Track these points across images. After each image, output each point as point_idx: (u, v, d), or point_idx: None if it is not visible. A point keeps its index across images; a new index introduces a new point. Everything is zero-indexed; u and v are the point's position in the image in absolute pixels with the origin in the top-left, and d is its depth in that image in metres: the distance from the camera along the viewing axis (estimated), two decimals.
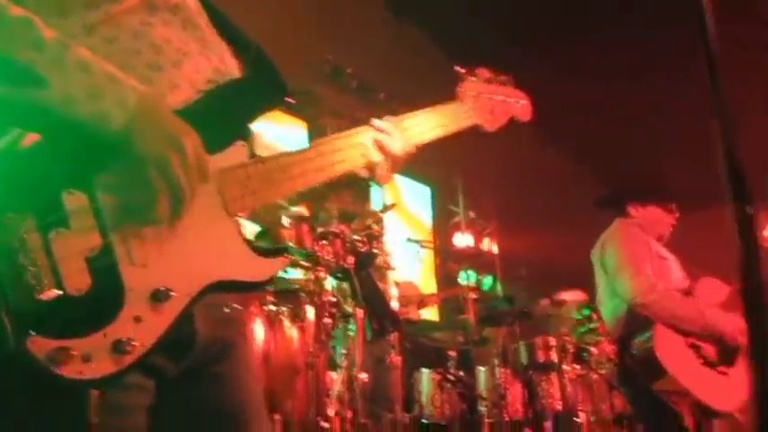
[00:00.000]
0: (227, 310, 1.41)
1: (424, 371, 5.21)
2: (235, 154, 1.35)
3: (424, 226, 7.56)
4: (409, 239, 6.36)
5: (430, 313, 6.92)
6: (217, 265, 1.28)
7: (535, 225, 7.28)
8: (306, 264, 3.41)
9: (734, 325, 3.25)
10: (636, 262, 3.20)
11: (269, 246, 1.41)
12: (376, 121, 1.54)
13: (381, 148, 1.52)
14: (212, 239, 1.29)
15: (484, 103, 1.75)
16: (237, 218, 1.34)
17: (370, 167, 1.52)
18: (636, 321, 3.16)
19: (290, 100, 1.45)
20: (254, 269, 1.35)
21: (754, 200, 1.17)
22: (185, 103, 1.29)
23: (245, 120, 1.41)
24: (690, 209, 3.63)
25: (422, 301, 5.72)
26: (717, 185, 1.19)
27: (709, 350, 3.23)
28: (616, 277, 3.23)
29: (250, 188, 1.34)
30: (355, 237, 3.65)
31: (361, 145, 1.51)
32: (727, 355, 3.27)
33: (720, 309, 3.28)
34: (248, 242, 1.34)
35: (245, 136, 1.39)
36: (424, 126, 1.62)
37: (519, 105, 1.83)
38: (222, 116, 1.35)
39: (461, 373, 5.63)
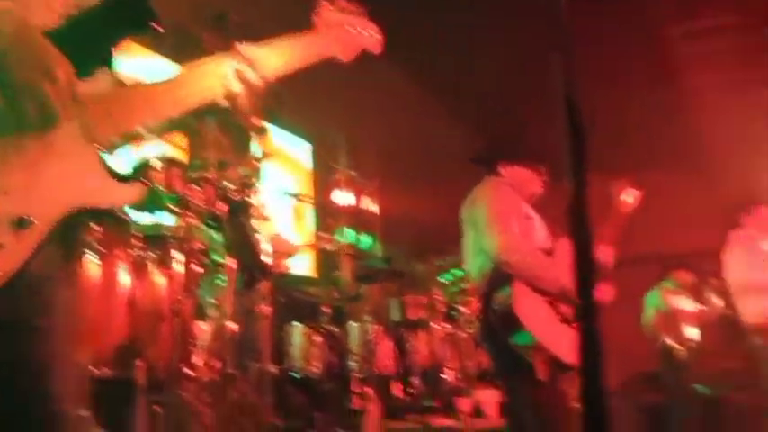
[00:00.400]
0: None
1: (296, 324, 5.21)
2: (98, 81, 1.35)
3: (305, 181, 7.50)
4: (287, 192, 6.30)
5: (306, 268, 6.92)
6: (77, 193, 1.29)
7: (417, 186, 7.36)
8: (174, 208, 3.32)
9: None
10: (503, 220, 3.27)
11: (128, 172, 1.40)
12: (238, 47, 1.56)
13: (241, 77, 1.53)
14: (73, 167, 1.29)
15: (339, 33, 1.77)
16: (99, 147, 1.34)
17: (230, 97, 1.52)
18: (499, 278, 3.24)
19: (157, 28, 1.42)
20: (114, 195, 1.36)
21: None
22: (53, 25, 1.29)
23: (109, 45, 1.41)
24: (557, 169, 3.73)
25: (295, 255, 5.71)
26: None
27: (567, 308, 3.36)
28: (483, 234, 3.29)
29: (111, 116, 1.34)
30: (228, 184, 3.59)
31: (222, 75, 1.51)
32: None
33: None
34: (108, 169, 1.34)
35: (109, 63, 1.39)
36: (281, 56, 1.63)
37: (371, 38, 1.86)
38: (86, 41, 1.35)
39: (334, 328, 5.70)
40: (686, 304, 7.73)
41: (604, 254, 3.61)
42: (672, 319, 7.74)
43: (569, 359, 3.28)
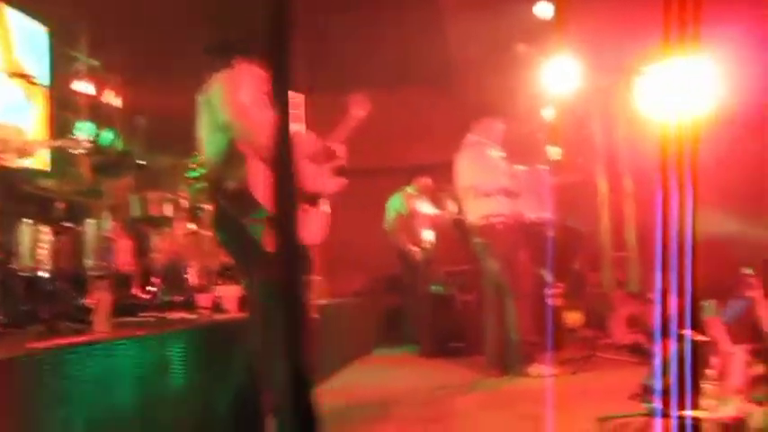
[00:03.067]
0: None
1: (26, 221, 4.88)
2: None
3: (38, 68, 6.90)
4: (14, 74, 5.78)
5: (39, 161, 6.45)
6: None
7: (161, 81, 7.06)
8: None
9: (316, 175, 3.52)
10: (238, 98, 3.26)
11: None
12: None
13: None
14: None
15: None
16: None
17: None
18: (234, 156, 3.23)
19: None
20: None
21: None
22: None
23: None
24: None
25: (26, 149, 5.30)
26: None
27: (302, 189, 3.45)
28: (218, 111, 3.26)
29: None
30: None
31: None
32: (309, 197, 3.52)
33: (308, 160, 3.53)
34: None
35: None
36: None
37: None
38: None
39: (69, 225, 5.42)
40: (424, 208, 8.24)
41: (339, 150, 3.74)
42: (410, 222, 8.23)
43: (304, 238, 3.40)
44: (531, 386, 5.38)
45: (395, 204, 8.37)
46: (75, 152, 5.56)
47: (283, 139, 1.18)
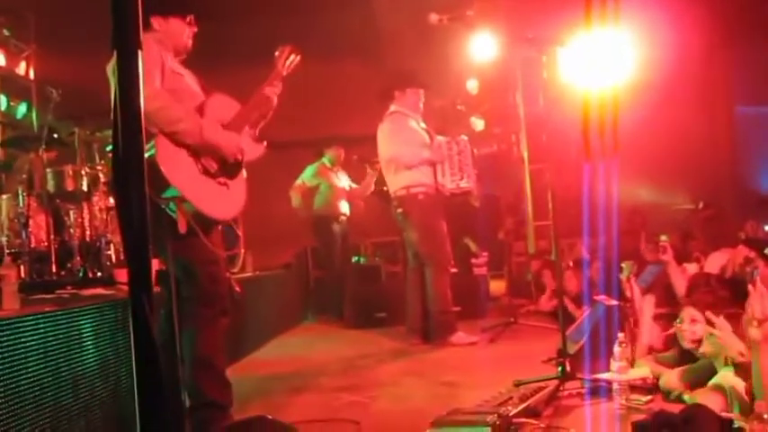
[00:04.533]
0: None
1: None
2: None
3: None
4: None
5: None
6: None
7: (77, 50, 6.85)
8: None
9: (234, 143, 3.48)
10: (145, 72, 3.19)
11: None
12: None
13: None
14: None
15: None
16: None
17: None
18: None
19: None
20: None
21: None
22: None
23: None
24: None
25: None
26: None
27: (210, 162, 3.41)
28: None
29: None
30: None
31: None
32: (227, 169, 3.49)
33: (224, 126, 3.48)
34: None
35: None
36: None
37: None
38: None
39: None
40: (338, 179, 8.22)
41: (271, 93, 3.68)
42: (326, 193, 8.19)
43: (213, 212, 3.38)
44: (451, 354, 5.49)
45: (306, 175, 8.31)
46: None
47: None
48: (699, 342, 3.48)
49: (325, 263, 8.43)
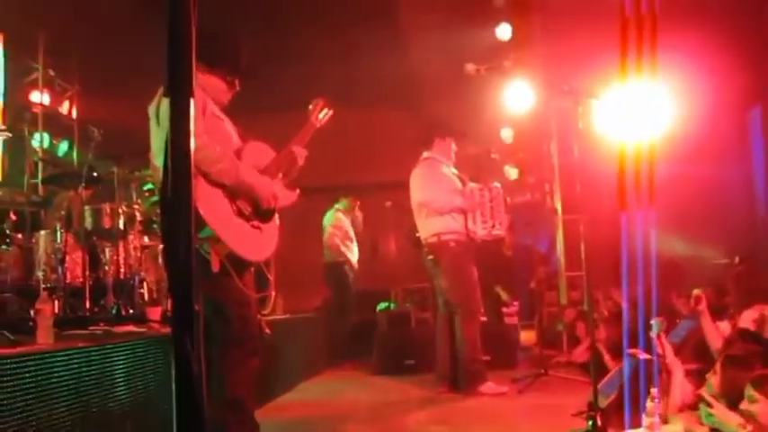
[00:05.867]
0: None
1: None
2: None
3: None
4: None
5: None
6: None
7: (118, 91, 7.02)
8: None
9: (268, 187, 3.53)
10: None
11: None
12: None
13: None
14: None
15: None
16: None
17: None
18: None
19: None
20: None
21: None
22: None
23: None
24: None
25: None
26: None
27: (245, 205, 3.46)
28: (165, 127, 3.26)
29: None
30: None
31: None
32: (261, 213, 3.53)
33: (260, 171, 3.54)
34: None
35: None
36: None
37: None
38: None
39: (20, 236, 5.36)
40: (347, 224, 8.40)
41: (299, 154, 3.77)
42: (341, 237, 8.35)
43: (246, 254, 3.41)
44: (480, 404, 5.41)
45: (328, 219, 8.52)
46: (29, 161, 5.51)
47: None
48: None
49: (338, 308, 8.60)
